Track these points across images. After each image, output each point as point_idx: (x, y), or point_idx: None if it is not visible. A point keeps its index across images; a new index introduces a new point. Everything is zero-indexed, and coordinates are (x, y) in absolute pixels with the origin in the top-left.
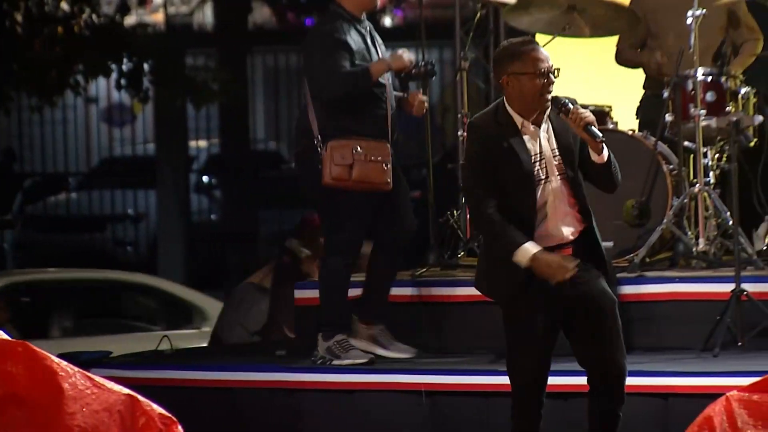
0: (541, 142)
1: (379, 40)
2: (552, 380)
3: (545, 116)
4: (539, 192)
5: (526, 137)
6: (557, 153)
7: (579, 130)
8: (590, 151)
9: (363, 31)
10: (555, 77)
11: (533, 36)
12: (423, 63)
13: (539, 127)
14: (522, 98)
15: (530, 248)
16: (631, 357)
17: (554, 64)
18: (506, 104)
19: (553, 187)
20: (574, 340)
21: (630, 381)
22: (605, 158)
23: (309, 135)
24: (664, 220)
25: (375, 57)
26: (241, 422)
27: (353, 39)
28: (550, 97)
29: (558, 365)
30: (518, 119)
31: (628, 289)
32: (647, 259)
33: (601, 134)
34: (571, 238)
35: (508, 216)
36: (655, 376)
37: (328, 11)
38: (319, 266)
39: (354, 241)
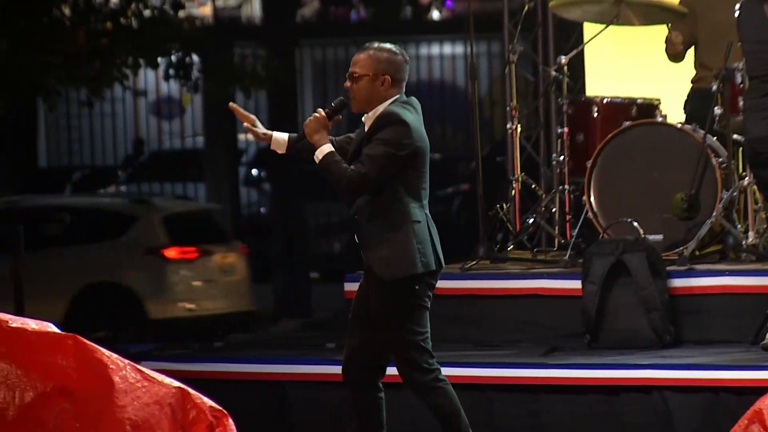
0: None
1: None
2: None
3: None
4: None
5: None
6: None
7: None
8: None
9: None
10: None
11: (581, 26)
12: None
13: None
14: None
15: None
16: (680, 350)
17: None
18: None
19: None
20: None
21: (680, 374)
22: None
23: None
24: (714, 213)
25: None
26: (290, 415)
27: None
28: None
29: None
30: None
31: (678, 282)
32: (697, 252)
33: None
34: None
35: None
36: (705, 370)
37: None
38: None
39: None
